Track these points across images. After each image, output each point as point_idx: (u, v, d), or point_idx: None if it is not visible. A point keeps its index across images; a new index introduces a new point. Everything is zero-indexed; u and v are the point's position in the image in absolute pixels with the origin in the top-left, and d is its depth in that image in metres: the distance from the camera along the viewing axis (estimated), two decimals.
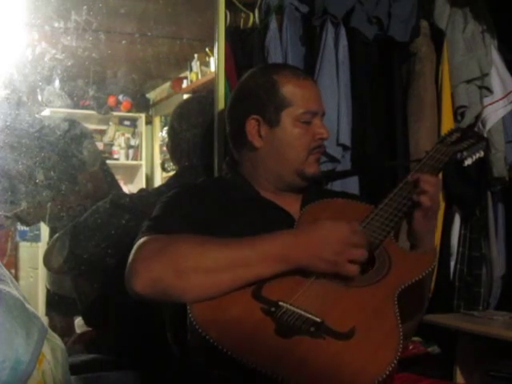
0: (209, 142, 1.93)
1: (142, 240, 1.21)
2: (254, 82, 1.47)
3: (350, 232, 1.18)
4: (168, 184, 2.02)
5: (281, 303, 1.10)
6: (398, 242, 1.34)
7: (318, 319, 1.08)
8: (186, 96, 2.32)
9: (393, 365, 1.02)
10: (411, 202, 1.31)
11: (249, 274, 1.14)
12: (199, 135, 1.96)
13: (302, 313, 1.09)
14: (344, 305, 1.14)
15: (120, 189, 2.04)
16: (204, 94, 2.22)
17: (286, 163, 1.42)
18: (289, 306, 1.10)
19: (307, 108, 1.41)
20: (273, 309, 1.09)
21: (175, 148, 1.98)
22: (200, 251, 1.16)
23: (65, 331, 1.98)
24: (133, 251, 1.20)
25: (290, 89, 1.41)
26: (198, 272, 1.13)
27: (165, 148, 2.25)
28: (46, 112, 1.89)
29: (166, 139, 2.08)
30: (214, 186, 1.48)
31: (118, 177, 2.05)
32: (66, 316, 2.02)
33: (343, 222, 1.22)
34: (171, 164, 2.05)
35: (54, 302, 2.01)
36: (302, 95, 1.41)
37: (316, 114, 1.43)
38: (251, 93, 1.45)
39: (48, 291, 2.01)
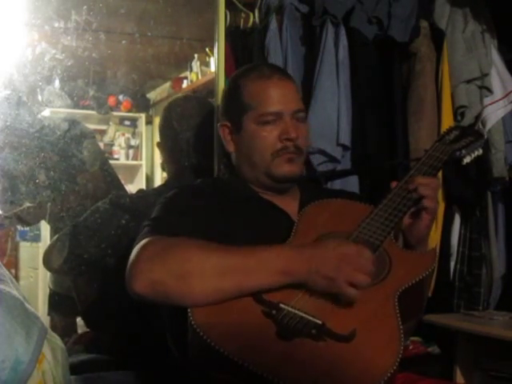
0: (209, 142, 1.92)
1: (143, 241, 1.20)
2: (227, 87, 1.50)
3: (356, 254, 1.15)
4: (167, 184, 2.02)
5: (282, 305, 1.10)
6: (398, 243, 1.34)
7: (319, 321, 1.07)
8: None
9: (395, 367, 1.02)
10: (411, 203, 1.31)
11: (250, 283, 1.13)
12: (199, 135, 1.96)
13: (303, 315, 1.08)
14: (345, 307, 1.13)
15: (122, 189, 2.04)
16: (204, 93, 2.22)
17: (255, 166, 1.41)
18: (290, 309, 1.09)
19: (266, 109, 1.38)
20: (274, 311, 1.09)
21: (173, 148, 1.97)
22: (203, 256, 1.15)
23: (66, 331, 1.98)
24: (134, 252, 1.19)
25: (249, 92, 1.40)
26: (200, 277, 1.13)
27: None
28: (46, 112, 1.90)
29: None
30: (212, 187, 1.47)
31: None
32: (67, 316, 2.02)
33: (352, 242, 1.20)
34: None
35: (56, 301, 2.01)
36: (261, 97, 1.39)
37: (280, 114, 1.39)
38: (223, 99, 1.48)
39: (50, 290, 2.01)
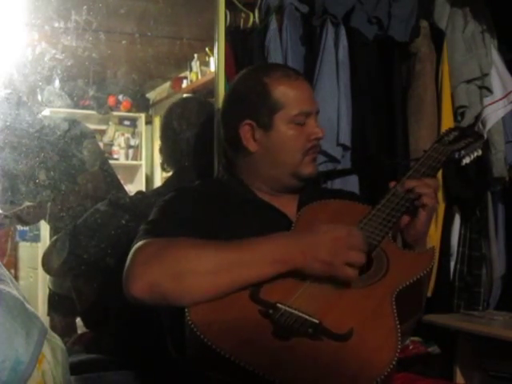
0: (208, 142, 1.93)
1: (139, 244, 1.21)
2: (245, 85, 1.45)
3: (347, 234, 1.17)
4: (167, 185, 2.03)
5: (278, 305, 1.10)
6: (396, 243, 1.34)
7: (315, 320, 1.07)
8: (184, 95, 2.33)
9: (391, 365, 1.02)
10: (409, 203, 1.31)
11: (247, 275, 1.14)
12: (199, 135, 1.96)
13: (300, 314, 1.09)
14: (342, 306, 1.14)
15: (122, 189, 2.04)
16: (203, 93, 2.23)
17: (281, 166, 1.41)
18: (287, 308, 1.09)
19: (300, 109, 1.39)
20: (270, 311, 1.09)
21: (174, 148, 1.97)
22: (197, 254, 1.15)
23: (66, 331, 1.98)
24: (130, 255, 1.19)
25: (281, 91, 1.39)
26: (196, 275, 1.13)
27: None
28: (46, 112, 1.89)
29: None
30: (210, 188, 1.47)
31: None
32: (67, 316, 2.02)
33: (342, 224, 1.21)
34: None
35: (56, 301, 2.01)
36: (293, 97, 1.39)
37: (310, 113, 1.41)
38: (243, 97, 1.43)
39: (50, 291, 2.01)
